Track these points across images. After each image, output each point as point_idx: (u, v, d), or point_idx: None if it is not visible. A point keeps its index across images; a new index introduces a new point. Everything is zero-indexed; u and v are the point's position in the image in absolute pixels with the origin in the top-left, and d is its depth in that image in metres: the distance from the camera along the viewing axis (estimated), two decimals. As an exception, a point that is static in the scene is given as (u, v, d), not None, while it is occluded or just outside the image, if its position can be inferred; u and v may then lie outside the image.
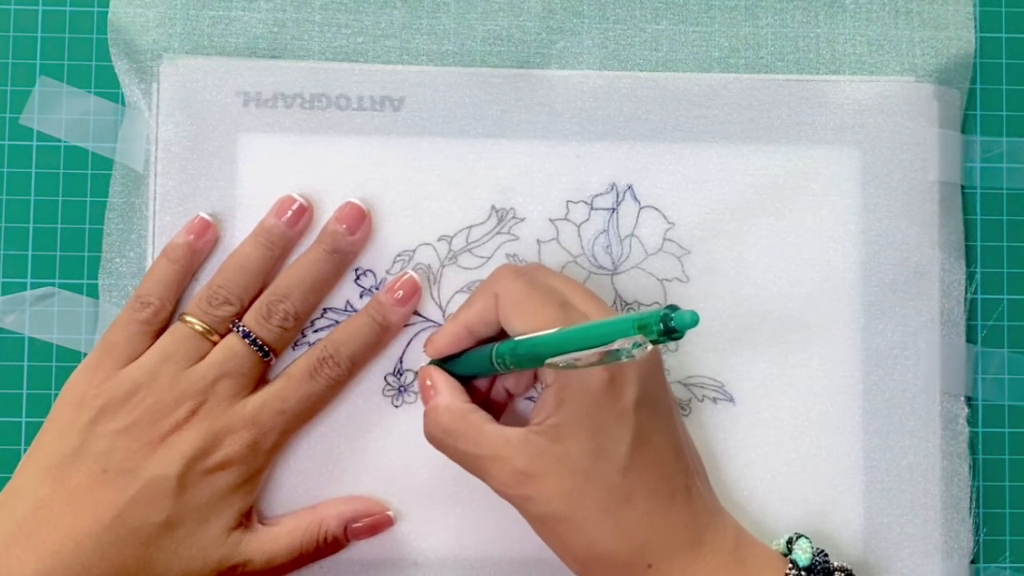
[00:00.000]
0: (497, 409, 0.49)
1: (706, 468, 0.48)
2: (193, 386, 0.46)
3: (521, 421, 0.44)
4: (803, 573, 0.44)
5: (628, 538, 0.43)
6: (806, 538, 0.46)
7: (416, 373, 0.50)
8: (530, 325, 0.44)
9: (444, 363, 0.48)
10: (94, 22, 0.51)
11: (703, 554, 0.43)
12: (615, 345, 0.38)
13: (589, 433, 0.42)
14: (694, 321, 0.36)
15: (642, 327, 0.37)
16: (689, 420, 0.50)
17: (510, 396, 0.49)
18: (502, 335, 0.46)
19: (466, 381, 0.47)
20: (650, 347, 0.37)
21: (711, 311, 0.50)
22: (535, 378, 0.49)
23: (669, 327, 0.36)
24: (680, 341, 0.50)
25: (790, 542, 0.46)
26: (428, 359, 0.48)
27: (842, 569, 0.45)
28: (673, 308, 0.37)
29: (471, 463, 0.44)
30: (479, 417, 0.45)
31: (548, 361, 0.41)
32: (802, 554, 0.45)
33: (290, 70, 0.50)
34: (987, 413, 0.52)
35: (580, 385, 0.43)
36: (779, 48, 0.52)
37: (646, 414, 0.43)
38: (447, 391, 0.46)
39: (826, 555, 0.45)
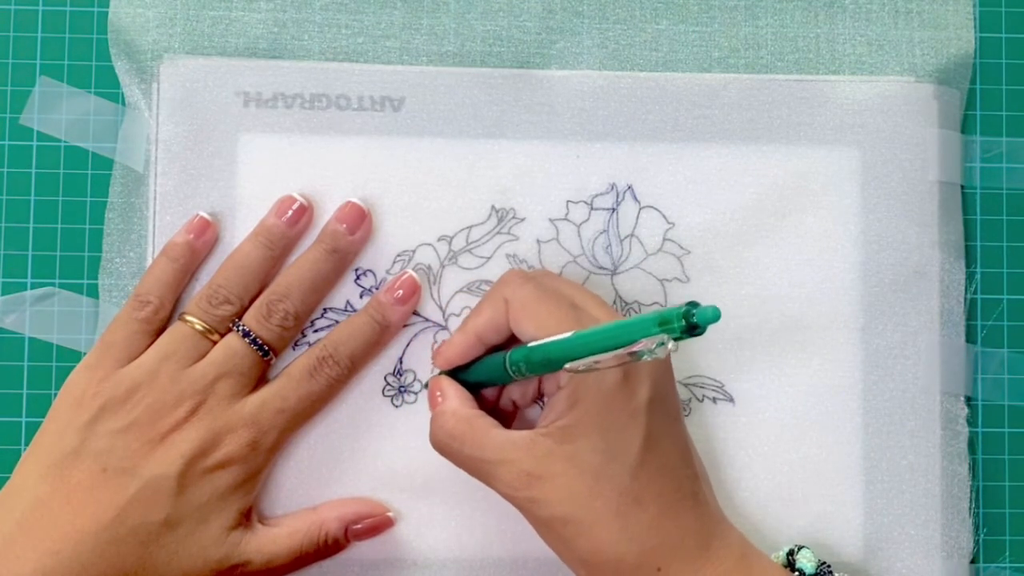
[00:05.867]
0: (506, 418, 0.49)
1: (706, 469, 0.48)
2: (193, 385, 0.46)
3: (530, 429, 0.44)
4: None
5: (638, 541, 0.42)
6: (807, 548, 0.46)
7: (416, 373, 0.50)
8: (543, 329, 0.43)
9: (454, 373, 0.48)
10: (94, 22, 0.51)
11: (711, 559, 0.43)
12: (638, 346, 0.37)
13: (601, 433, 0.42)
14: (716, 316, 0.36)
15: (663, 324, 0.37)
16: (689, 420, 0.50)
17: (516, 407, 0.49)
18: (511, 342, 0.46)
19: (475, 390, 0.47)
20: (671, 345, 0.37)
21: (711, 311, 0.51)
22: (539, 391, 0.48)
23: (691, 323, 0.36)
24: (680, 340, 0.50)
25: (791, 554, 0.46)
26: (437, 370, 0.48)
27: None
28: (694, 304, 0.36)
29: (477, 467, 0.44)
30: (485, 422, 0.45)
31: (567, 366, 0.40)
32: (807, 563, 0.45)
33: (290, 70, 0.50)
34: (987, 413, 0.52)
35: (595, 385, 0.42)
36: (779, 48, 0.52)
37: (657, 415, 0.43)
38: (454, 397, 0.46)
39: (829, 566, 0.45)
